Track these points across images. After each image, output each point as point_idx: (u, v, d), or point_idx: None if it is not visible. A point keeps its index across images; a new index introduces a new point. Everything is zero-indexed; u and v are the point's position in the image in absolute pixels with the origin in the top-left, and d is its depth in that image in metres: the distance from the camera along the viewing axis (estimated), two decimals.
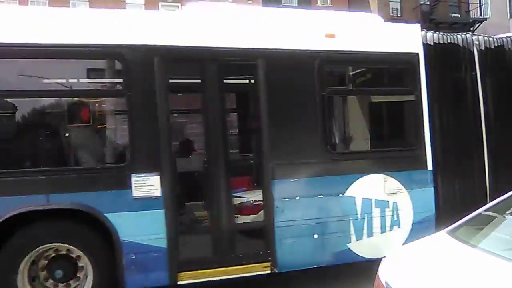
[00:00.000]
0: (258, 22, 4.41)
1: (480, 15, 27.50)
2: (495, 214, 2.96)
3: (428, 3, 26.43)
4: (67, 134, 4.42)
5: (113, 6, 14.82)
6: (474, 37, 5.23)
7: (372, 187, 4.57)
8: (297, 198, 4.32)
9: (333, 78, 5.36)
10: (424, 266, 2.45)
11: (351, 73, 5.51)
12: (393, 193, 4.61)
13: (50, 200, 3.63)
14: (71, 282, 3.86)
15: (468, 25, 26.47)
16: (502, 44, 5.30)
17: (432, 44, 4.95)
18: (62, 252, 3.81)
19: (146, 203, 3.85)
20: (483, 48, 5.16)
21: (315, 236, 4.36)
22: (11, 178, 3.64)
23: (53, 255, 3.80)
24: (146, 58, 3.91)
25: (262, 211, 4.38)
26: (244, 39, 4.25)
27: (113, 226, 3.75)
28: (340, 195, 4.47)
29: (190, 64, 4.60)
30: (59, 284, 3.82)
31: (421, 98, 4.78)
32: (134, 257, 3.80)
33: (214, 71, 4.19)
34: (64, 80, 4.22)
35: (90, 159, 4.35)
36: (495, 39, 5.27)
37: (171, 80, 4.21)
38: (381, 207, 4.57)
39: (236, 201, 4.57)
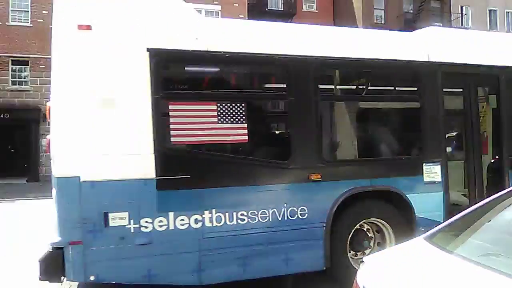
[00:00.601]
0: (491, 46, 5.61)
1: (462, 25, 28.10)
2: (472, 220, 2.98)
3: (411, 11, 26.87)
4: (382, 133, 5.56)
5: None
6: None
7: None
8: None
9: None
10: (401, 272, 2.46)
11: None
12: None
13: (372, 184, 4.74)
14: (366, 251, 4.83)
15: None
16: None
17: None
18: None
19: (432, 186, 4.92)
20: None
21: None
22: (349, 166, 4.92)
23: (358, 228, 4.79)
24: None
25: None
26: (491, 58, 5.39)
27: (411, 204, 4.75)
28: None
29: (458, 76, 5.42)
30: (357, 252, 4.81)
31: None
32: (423, 229, 4.09)
33: (473, 82, 5.45)
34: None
35: (395, 152, 5.46)
36: None
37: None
38: None
39: None
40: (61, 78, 3.85)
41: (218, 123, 4.23)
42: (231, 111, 4.27)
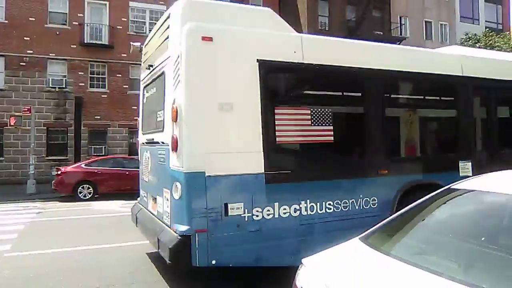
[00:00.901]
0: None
1: (400, 34, 29.50)
2: (406, 220, 3.09)
3: (354, 19, 27.80)
4: (430, 135, 6.62)
5: None
6: None
7: None
8: None
9: None
10: (338, 274, 2.49)
11: None
12: None
13: (424, 178, 5.63)
14: None
15: (389, 43, 28.16)
16: None
17: None
18: None
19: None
20: None
21: None
22: (407, 163, 5.85)
23: None
24: None
25: None
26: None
27: None
28: None
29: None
30: None
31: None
32: None
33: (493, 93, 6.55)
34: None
35: (439, 152, 6.47)
36: None
37: None
38: None
39: None
40: (186, 83, 4.37)
41: (311, 125, 4.99)
42: (321, 115, 5.06)
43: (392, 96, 6.08)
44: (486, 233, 2.75)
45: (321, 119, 5.07)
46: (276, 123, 4.74)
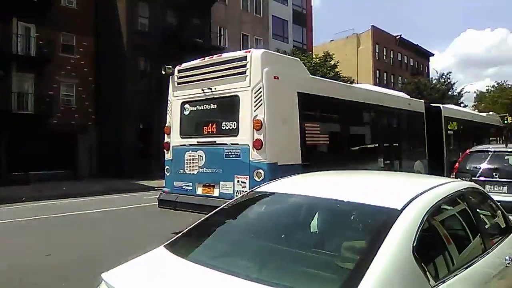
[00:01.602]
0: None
1: (219, 44, 30.49)
2: (212, 224, 3.18)
3: (175, 24, 27.56)
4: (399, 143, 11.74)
5: None
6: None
7: None
8: None
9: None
10: (142, 284, 2.42)
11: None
12: None
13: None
14: None
15: (208, 50, 28.83)
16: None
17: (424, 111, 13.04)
18: None
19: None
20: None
21: None
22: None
23: None
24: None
25: None
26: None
27: None
28: None
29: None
30: None
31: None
32: None
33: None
34: None
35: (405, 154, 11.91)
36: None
37: None
38: None
39: None
40: (267, 105, 6.88)
41: (319, 134, 8.35)
42: (324, 128, 8.57)
43: (355, 115, 10.12)
44: (284, 231, 2.96)
45: (324, 130, 8.58)
46: (306, 132, 7.80)
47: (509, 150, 8.27)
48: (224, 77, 7.39)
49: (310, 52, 36.21)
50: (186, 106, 8.10)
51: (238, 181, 7.01)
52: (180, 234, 3.00)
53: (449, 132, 14.30)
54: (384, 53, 51.91)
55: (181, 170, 8.00)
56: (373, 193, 2.99)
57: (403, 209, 2.45)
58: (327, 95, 8.57)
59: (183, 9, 27.83)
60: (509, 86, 66.77)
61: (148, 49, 25.72)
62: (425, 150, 12.71)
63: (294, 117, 7.46)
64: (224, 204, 3.37)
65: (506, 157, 8.15)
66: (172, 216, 8.52)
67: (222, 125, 7.38)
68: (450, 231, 2.96)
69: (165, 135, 8.45)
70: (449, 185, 3.18)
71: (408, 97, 13.95)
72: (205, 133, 7.70)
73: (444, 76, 47.24)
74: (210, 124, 7.61)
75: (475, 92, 67.80)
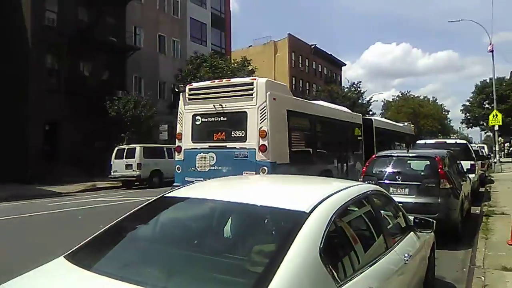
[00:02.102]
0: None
1: (135, 43, 29.50)
2: (118, 232, 2.97)
3: (87, 21, 26.21)
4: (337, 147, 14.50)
5: None
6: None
7: None
8: None
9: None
10: None
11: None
12: None
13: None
14: None
15: (123, 50, 27.77)
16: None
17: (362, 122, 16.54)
18: None
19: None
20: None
21: None
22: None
23: None
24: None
25: None
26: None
27: None
28: None
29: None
30: None
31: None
32: None
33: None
34: None
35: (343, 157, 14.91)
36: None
37: None
38: None
39: None
40: (270, 119, 9.37)
41: (301, 141, 11.29)
42: (304, 136, 11.62)
43: (323, 128, 13.09)
44: (197, 237, 2.92)
45: (301, 137, 11.31)
46: (292, 139, 10.39)
47: (410, 155, 8.95)
48: (233, 97, 9.80)
49: (229, 57, 36.43)
50: (198, 117, 10.33)
51: None
52: (82, 242, 2.80)
53: (378, 139, 17.41)
54: (300, 61, 53.90)
55: (193, 168, 10.10)
56: (284, 197, 3.04)
57: (311, 211, 2.51)
58: (302, 111, 11.46)
59: (96, 5, 26.51)
60: (412, 96, 73.34)
61: (56, 46, 24.08)
62: (363, 153, 15.71)
63: (285, 128, 10.15)
64: (132, 210, 3.18)
65: (408, 162, 8.79)
66: (79, 223, 7.98)
67: (232, 133, 9.81)
68: (356, 232, 3.10)
69: (177, 140, 10.66)
70: (355, 188, 3.34)
71: (350, 111, 17.29)
72: (215, 139, 9.99)
73: (354, 85, 50.27)
74: (220, 133, 9.97)
75: (382, 101, 73.47)
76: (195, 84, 11.11)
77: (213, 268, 2.52)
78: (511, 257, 5.97)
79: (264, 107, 9.38)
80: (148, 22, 31.14)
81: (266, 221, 2.79)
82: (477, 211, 10.92)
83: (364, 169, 9.12)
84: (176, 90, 27.40)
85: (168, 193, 3.34)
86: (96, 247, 2.82)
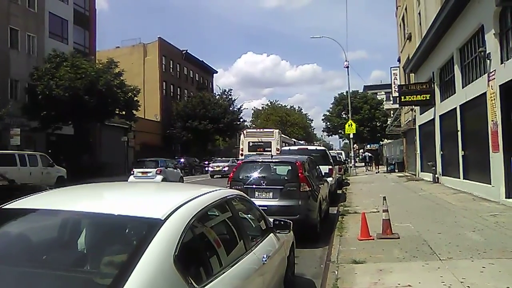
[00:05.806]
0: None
1: None
2: None
3: None
4: None
5: None
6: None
7: None
8: None
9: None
10: None
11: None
12: None
13: None
14: None
15: None
16: None
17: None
18: None
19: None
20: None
21: None
22: None
23: None
24: None
25: None
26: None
27: None
28: None
29: None
30: None
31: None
32: None
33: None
34: None
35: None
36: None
37: None
38: None
39: None
40: (279, 144, 26.38)
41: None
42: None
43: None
44: (46, 252, 2.67)
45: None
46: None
47: (274, 160, 9.39)
48: (265, 135, 27.60)
49: (93, 57, 34.20)
50: (250, 143, 26.99)
51: None
52: None
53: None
54: (171, 66, 53.17)
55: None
56: (141, 204, 2.92)
57: (166, 218, 2.44)
58: (287, 141, 30.64)
59: None
60: (280, 105, 78.11)
61: None
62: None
63: (281, 147, 23.93)
64: None
65: (274, 167, 9.22)
66: None
67: (266, 149, 25.02)
68: (216, 236, 3.11)
69: (241, 151, 27.04)
70: (214, 193, 3.35)
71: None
72: (258, 151, 24.63)
73: (226, 93, 51.40)
74: (260, 149, 25.72)
75: (252, 109, 76.73)
76: (248, 130, 31.49)
77: (58, 284, 2.30)
78: (361, 251, 6.63)
79: (278, 140, 26.62)
80: None
81: (120, 230, 2.65)
82: (334, 211, 11.91)
83: (231, 175, 9.26)
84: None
85: (7, 204, 2.92)
86: None
